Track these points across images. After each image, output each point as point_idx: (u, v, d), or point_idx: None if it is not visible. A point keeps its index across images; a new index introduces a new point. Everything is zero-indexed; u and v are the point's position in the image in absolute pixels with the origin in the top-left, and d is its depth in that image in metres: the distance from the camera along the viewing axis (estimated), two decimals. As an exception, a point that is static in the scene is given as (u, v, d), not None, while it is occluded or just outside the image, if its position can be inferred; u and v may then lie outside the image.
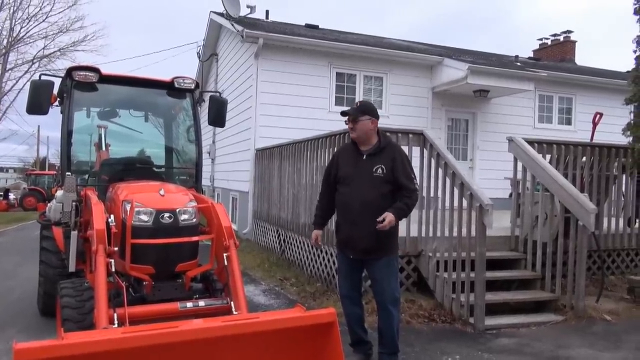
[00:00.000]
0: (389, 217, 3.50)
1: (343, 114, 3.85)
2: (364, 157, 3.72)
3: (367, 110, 3.78)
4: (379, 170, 3.63)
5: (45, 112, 4.33)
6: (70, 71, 4.45)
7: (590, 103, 12.43)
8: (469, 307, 4.91)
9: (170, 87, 4.80)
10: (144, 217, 3.48)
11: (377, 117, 3.79)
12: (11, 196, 24.56)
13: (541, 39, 17.86)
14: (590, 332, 4.86)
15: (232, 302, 3.47)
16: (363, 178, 3.66)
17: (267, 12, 13.19)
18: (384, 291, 3.70)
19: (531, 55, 17.49)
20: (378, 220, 3.49)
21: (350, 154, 3.83)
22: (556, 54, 17.00)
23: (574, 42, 17.21)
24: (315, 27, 13.22)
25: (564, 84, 12.63)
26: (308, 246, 7.02)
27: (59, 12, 27.29)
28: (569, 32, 17.18)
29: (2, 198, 23.62)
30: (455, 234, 5.17)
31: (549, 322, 5.07)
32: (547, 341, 4.57)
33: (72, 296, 3.36)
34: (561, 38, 17.26)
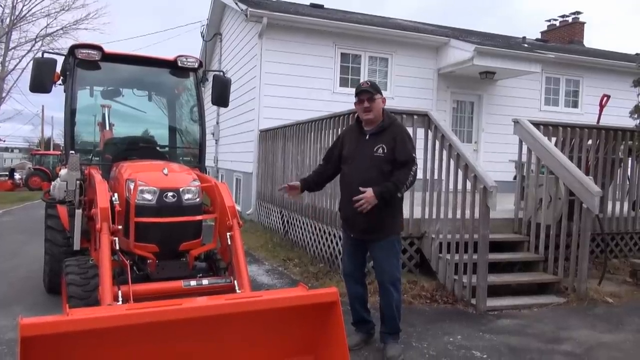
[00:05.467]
0: (367, 194, 3.43)
1: (362, 92, 3.63)
2: (367, 136, 3.69)
3: (379, 88, 3.75)
4: (380, 150, 3.59)
5: (48, 90, 4.30)
6: (73, 49, 4.40)
7: (598, 85, 12.28)
8: (471, 289, 4.94)
9: (173, 66, 4.76)
10: (148, 196, 3.49)
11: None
12: (17, 176, 24.68)
13: (549, 20, 17.57)
14: (592, 314, 4.88)
15: (235, 281, 3.50)
16: (364, 157, 3.64)
17: (271, -9, 13.03)
18: (384, 271, 3.71)
19: (539, 37, 17.23)
20: (354, 198, 3.47)
21: (354, 134, 3.81)
22: (564, 35, 16.72)
23: (582, 24, 16.91)
24: (320, 6, 13.06)
25: (572, 65, 12.48)
26: (311, 227, 7.04)
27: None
28: (578, 13, 16.87)
29: (7, 178, 23.76)
30: (458, 215, 5.16)
31: (551, 304, 5.09)
32: (549, 322, 4.59)
33: (77, 274, 3.38)
34: (570, 19, 16.97)
